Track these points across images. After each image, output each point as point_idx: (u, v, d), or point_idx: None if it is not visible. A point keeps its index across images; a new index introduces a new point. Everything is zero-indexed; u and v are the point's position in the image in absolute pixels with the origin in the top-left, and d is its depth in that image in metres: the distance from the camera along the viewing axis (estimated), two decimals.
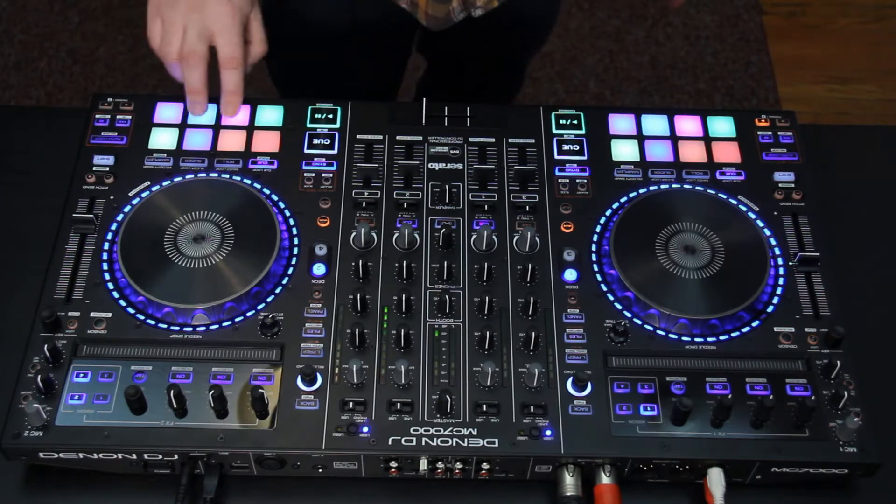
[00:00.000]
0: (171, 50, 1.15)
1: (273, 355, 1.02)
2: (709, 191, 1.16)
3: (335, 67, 1.51)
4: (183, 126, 1.19)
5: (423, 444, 0.98)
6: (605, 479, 0.99)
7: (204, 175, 1.15)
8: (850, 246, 1.19)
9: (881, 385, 1.06)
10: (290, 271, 1.08)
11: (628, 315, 1.06)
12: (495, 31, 1.30)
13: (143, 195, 1.12)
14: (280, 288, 1.07)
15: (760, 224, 1.13)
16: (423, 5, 1.32)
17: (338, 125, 1.20)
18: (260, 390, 0.97)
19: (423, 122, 1.21)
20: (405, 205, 1.14)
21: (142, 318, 1.04)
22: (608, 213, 1.14)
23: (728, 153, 1.20)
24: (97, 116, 1.20)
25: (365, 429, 0.98)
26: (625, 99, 2.50)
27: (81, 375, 1.00)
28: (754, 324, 1.06)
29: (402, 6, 1.34)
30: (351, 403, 0.99)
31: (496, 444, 0.98)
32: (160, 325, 1.04)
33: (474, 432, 0.98)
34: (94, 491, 1.01)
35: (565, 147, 1.20)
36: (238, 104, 1.19)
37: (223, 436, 0.97)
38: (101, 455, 0.98)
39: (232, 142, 1.18)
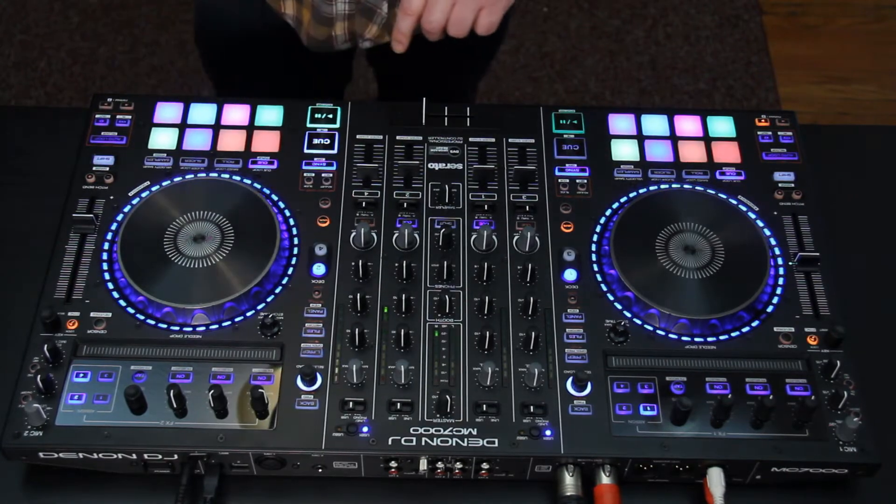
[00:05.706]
0: (435, 20, 1.14)
1: (273, 355, 1.02)
2: (709, 191, 1.16)
3: (263, 70, 1.48)
4: (183, 126, 1.19)
5: (423, 444, 0.98)
6: (605, 479, 0.99)
7: (204, 175, 1.15)
8: (850, 246, 1.19)
9: (881, 385, 1.06)
10: (290, 271, 1.08)
11: (628, 315, 1.06)
12: (435, 54, 1.28)
13: (143, 195, 1.12)
14: (280, 288, 1.07)
15: (760, 224, 1.13)
16: (306, 24, 1.31)
17: (338, 125, 1.20)
18: (260, 390, 0.97)
19: (423, 122, 1.21)
20: (405, 205, 1.14)
21: (142, 318, 1.04)
22: (608, 213, 1.14)
23: (728, 153, 1.20)
24: (97, 116, 1.20)
25: (365, 429, 0.98)
26: (625, 99, 2.50)
27: (81, 375, 1.00)
28: (754, 324, 1.06)
29: (287, 21, 1.32)
30: (351, 403, 0.99)
31: (496, 444, 0.98)
32: (160, 325, 1.04)
33: (474, 432, 0.98)
34: (94, 491, 1.01)
35: (565, 147, 1.20)
36: None
37: (223, 436, 0.97)
38: (101, 455, 0.98)
39: (232, 142, 1.18)
